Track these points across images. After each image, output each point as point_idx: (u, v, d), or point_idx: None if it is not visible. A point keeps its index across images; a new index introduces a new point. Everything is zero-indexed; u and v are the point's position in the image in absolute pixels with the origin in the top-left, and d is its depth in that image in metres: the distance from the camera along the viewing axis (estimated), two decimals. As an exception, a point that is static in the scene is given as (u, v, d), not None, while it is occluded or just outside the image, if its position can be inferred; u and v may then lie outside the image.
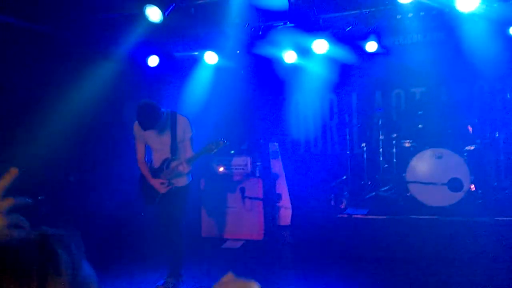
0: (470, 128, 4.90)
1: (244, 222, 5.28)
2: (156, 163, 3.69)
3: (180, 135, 3.55)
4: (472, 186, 4.86)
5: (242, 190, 5.31)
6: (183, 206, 3.66)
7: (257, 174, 5.43)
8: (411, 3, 4.21)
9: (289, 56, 6.06)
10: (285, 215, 5.61)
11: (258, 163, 5.44)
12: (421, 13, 4.88)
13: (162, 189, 3.58)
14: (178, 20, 4.92)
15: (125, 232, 4.91)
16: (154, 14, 4.36)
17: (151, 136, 3.58)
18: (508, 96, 5.25)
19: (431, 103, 5.54)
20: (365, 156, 5.76)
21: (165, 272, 3.77)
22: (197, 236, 5.52)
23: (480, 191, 4.87)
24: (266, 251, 5.05)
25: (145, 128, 3.36)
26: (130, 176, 4.28)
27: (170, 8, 4.39)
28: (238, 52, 5.92)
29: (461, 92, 5.55)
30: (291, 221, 5.47)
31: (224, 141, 3.45)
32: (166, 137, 3.55)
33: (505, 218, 4.37)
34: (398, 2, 4.18)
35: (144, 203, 3.81)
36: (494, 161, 5.17)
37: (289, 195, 5.64)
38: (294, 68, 6.43)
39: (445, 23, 4.94)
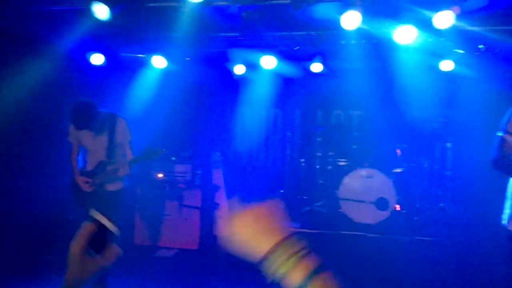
0: (399, 152, 5.27)
1: (179, 231, 5.21)
2: (90, 165, 3.55)
3: (119, 138, 3.46)
4: (397, 206, 5.22)
5: (180, 198, 5.26)
6: (115, 212, 3.55)
7: (197, 183, 5.41)
8: (354, 30, 4.46)
9: (238, 69, 6.16)
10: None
11: (199, 172, 5.42)
12: (362, 41, 5.20)
13: (86, 188, 3.46)
14: (127, 21, 4.81)
15: (50, 235, 4.64)
16: (101, 11, 4.23)
17: (86, 136, 3.45)
18: (434, 125, 5.74)
19: (366, 126, 5.90)
20: (303, 171, 5.95)
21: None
22: (130, 243, 5.36)
23: (404, 211, 5.23)
24: (201, 260, 5.02)
25: (79, 127, 3.23)
26: (63, 178, 4.07)
27: (119, 8, 4.29)
28: (188, 59, 5.90)
29: (394, 117, 5.97)
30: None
31: (163, 150, 3.41)
32: (103, 139, 3.43)
33: (424, 238, 4.73)
34: (343, 28, 4.41)
35: (75, 206, 3.65)
36: (418, 184, 5.59)
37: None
38: (242, 80, 6.53)
39: (384, 52, 5.29)
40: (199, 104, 6.44)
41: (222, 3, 4.22)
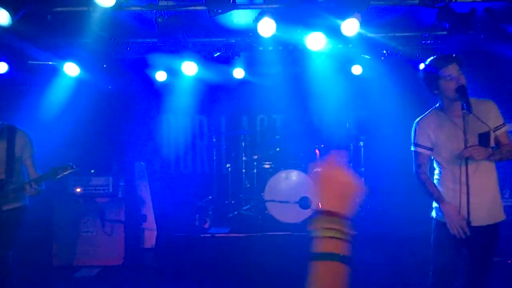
0: (317, 152, 5.53)
1: (102, 247, 4.95)
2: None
3: (18, 152, 3.18)
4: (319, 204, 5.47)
5: (102, 213, 5.00)
6: (12, 233, 3.24)
7: (120, 195, 5.18)
8: (270, 37, 4.61)
9: (160, 75, 6.04)
10: (150, 237, 5.44)
11: (121, 184, 5.20)
12: (279, 47, 5.41)
13: None
14: (33, 26, 4.48)
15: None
16: (1, 16, 3.89)
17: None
18: (347, 125, 6.14)
19: (287, 129, 6.12)
20: (230, 176, 5.99)
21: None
22: (47, 265, 4.97)
23: (325, 208, 5.48)
24: (126, 276, 4.81)
25: None
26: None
27: (21, 13, 3.98)
28: (104, 66, 5.64)
29: (312, 120, 6.29)
30: (156, 243, 5.33)
31: (72, 167, 3.21)
32: (1, 154, 3.14)
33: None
34: (260, 35, 4.54)
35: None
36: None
37: (155, 216, 5.50)
38: (165, 87, 6.41)
39: (300, 58, 5.55)
40: (120, 113, 6.19)
41: (134, 8, 4.12)
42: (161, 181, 6.50)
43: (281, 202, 5.08)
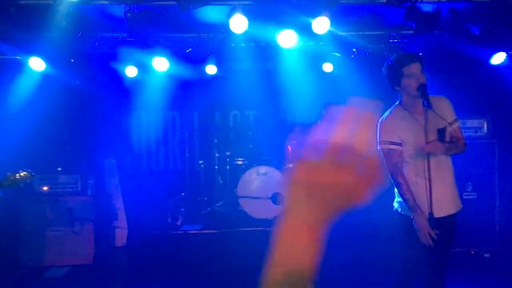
0: (289, 148, 5.60)
1: (71, 246, 4.84)
2: None
3: None
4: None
5: (70, 211, 4.88)
6: None
7: (89, 193, 5.07)
8: (243, 34, 4.61)
9: (130, 71, 5.93)
10: (121, 235, 5.35)
11: (91, 181, 5.09)
12: (252, 44, 5.42)
13: None
14: (-5, 19, 4.31)
15: None
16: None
17: None
18: (319, 121, 6.21)
19: (260, 125, 6.15)
20: (202, 173, 5.98)
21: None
22: (14, 266, 4.82)
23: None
24: (97, 275, 4.73)
25: None
26: None
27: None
28: (72, 61, 5.49)
29: (284, 116, 6.33)
30: (127, 241, 5.25)
31: (32, 174, 3.09)
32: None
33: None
34: (232, 32, 4.53)
35: None
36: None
37: (126, 214, 5.42)
38: (136, 82, 6.29)
39: (272, 54, 5.58)
40: (90, 109, 6.04)
41: (102, 1, 4.03)
42: (133, 178, 6.39)
43: (253, 198, 5.12)
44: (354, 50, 5.27)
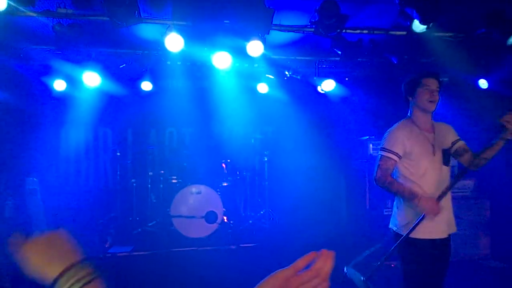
0: (224, 166, 5.65)
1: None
2: None
3: None
4: (225, 217, 5.56)
5: (-17, 235, 4.45)
6: None
7: (7, 215, 4.68)
8: (179, 52, 4.61)
9: (58, 84, 5.64)
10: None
11: (8, 202, 4.70)
12: (188, 63, 5.44)
13: None
14: None
15: None
16: None
17: None
18: (252, 141, 6.37)
19: (196, 143, 6.14)
20: (134, 191, 5.80)
21: None
22: None
23: (231, 222, 5.61)
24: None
25: None
26: None
27: None
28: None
29: (220, 134, 6.39)
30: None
31: None
32: None
33: (247, 245, 5.16)
34: (167, 50, 4.51)
35: None
36: (242, 195, 6.10)
37: (49, 236, 5.05)
38: (66, 97, 6.00)
39: (208, 74, 5.64)
40: (11, 123, 5.62)
41: (30, 14, 3.83)
42: (58, 197, 6.01)
43: (187, 217, 5.06)
44: (287, 73, 5.51)
